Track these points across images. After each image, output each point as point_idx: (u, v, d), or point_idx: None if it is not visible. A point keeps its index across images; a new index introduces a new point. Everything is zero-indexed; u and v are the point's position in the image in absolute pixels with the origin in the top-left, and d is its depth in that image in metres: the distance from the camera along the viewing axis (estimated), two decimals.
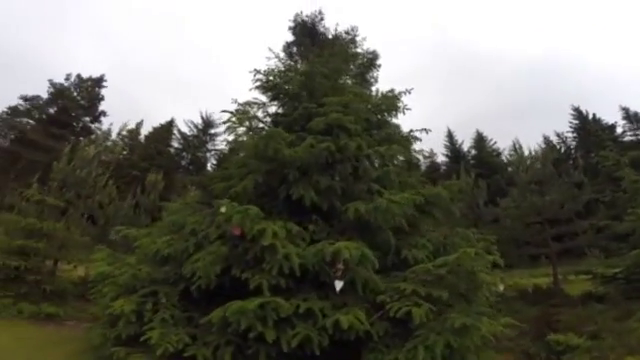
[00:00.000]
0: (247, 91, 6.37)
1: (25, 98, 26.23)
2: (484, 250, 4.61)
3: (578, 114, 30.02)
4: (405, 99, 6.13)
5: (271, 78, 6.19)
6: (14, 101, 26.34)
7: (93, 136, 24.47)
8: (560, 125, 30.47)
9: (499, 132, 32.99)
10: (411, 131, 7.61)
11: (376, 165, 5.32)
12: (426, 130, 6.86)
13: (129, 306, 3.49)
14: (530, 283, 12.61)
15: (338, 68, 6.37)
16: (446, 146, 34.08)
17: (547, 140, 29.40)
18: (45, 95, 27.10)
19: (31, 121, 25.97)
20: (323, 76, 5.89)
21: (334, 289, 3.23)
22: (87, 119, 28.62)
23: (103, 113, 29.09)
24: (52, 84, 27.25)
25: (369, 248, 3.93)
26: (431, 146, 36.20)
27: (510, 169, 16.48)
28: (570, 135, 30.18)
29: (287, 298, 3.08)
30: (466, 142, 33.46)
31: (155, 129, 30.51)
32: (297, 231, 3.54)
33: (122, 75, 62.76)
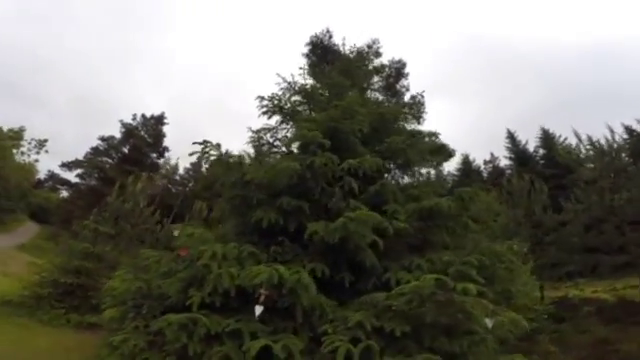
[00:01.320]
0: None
1: (103, 138, 30.78)
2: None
3: None
4: (439, 104, 5.90)
5: (276, 102, 6.46)
6: (94, 141, 31.00)
7: (160, 171, 27.56)
8: (626, 116, 25.89)
9: (562, 129, 29.42)
10: (432, 135, 7.33)
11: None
12: (436, 134, 6.63)
13: (111, 314, 3.81)
14: (613, 295, 10.82)
15: (339, 82, 6.40)
16: (508, 148, 31.04)
17: (629, 129, 25.15)
18: (118, 134, 31.36)
19: (109, 160, 30.15)
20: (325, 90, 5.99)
21: (270, 312, 3.14)
22: (154, 155, 32.33)
23: (166, 149, 32.73)
24: (123, 124, 31.53)
25: (346, 270, 3.83)
26: (491, 150, 33.58)
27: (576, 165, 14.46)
28: None
29: (226, 317, 3.07)
30: (530, 142, 29.91)
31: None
32: (249, 252, 3.52)
33: (182, 110, 69.87)
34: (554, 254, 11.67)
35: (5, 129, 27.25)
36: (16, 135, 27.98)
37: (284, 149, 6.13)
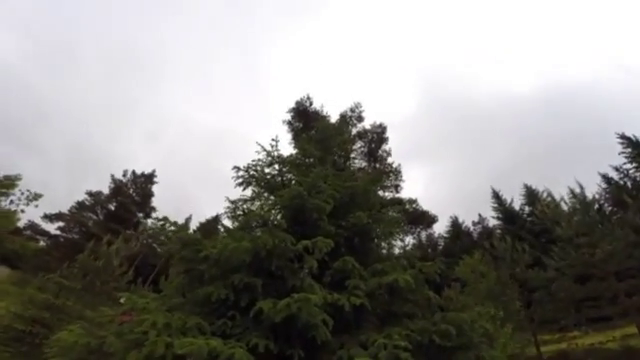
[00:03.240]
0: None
1: (90, 193, 30.78)
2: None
3: (628, 141, 23.88)
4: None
5: (251, 172, 6.80)
6: (82, 194, 30.84)
7: (146, 230, 27.16)
8: (608, 159, 25.40)
9: (545, 180, 30.63)
10: (411, 202, 7.55)
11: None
12: (414, 201, 6.86)
13: None
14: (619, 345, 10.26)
15: (312, 154, 6.84)
16: (495, 208, 31.66)
17: (606, 178, 25.43)
18: (106, 190, 31.43)
19: (94, 216, 29.75)
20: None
21: None
22: (141, 215, 32.07)
23: (153, 209, 32.64)
24: (113, 179, 31.89)
25: (298, 346, 3.79)
26: (477, 209, 34.08)
27: (552, 224, 14.91)
28: (630, 166, 23.87)
29: None
30: (516, 199, 30.81)
31: (202, 224, 32.55)
32: (195, 324, 3.56)
33: (171, 167, 70.90)
34: (545, 310, 11.65)
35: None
36: (9, 184, 27.87)
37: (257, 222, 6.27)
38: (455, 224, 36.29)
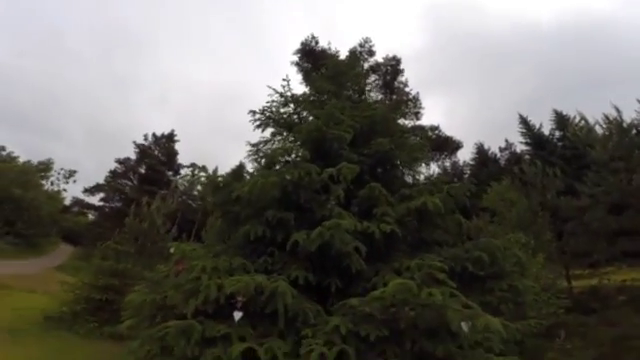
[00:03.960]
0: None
1: (119, 161, 32.28)
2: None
3: None
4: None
5: (268, 114, 6.73)
6: (112, 165, 32.36)
7: (177, 188, 28.56)
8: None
9: (576, 108, 28.43)
10: (433, 129, 7.34)
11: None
12: (437, 128, 6.59)
13: (128, 324, 4.29)
14: None
15: (325, 89, 6.63)
16: (523, 133, 30.18)
17: None
18: (133, 156, 32.61)
19: (128, 182, 31.47)
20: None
21: (261, 317, 3.37)
22: (170, 173, 33.47)
23: (180, 166, 33.75)
24: (136, 145, 32.77)
25: (335, 276, 4.02)
26: (506, 136, 32.87)
27: (585, 148, 13.86)
28: None
29: (220, 323, 3.36)
30: (545, 126, 29.10)
31: (228, 173, 33.69)
32: (240, 264, 3.80)
33: (188, 127, 71.64)
34: (577, 243, 11.05)
35: (35, 162, 29.09)
36: (45, 167, 29.69)
37: (280, 159, 6.36)
38: (481, 150, 35.06)
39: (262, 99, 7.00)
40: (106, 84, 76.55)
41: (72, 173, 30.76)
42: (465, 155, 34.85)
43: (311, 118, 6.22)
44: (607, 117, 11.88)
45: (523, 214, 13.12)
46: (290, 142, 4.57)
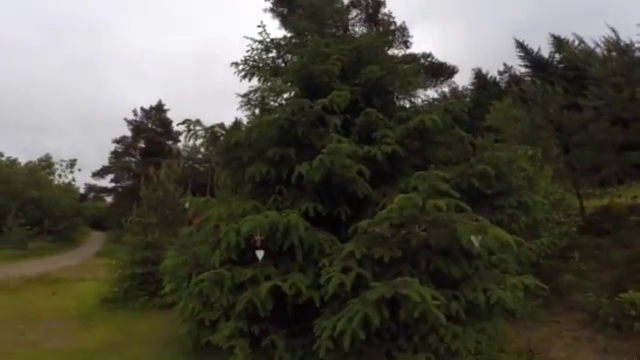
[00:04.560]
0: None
1: (117, 141, 32.43)
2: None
3: None
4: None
5: (251, 63, 6.58)
6: (109, 146, 32.48)
7: (180, 155, 28.84)
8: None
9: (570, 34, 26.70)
10: (426, 57, 7.10)
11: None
12: (430, 55, 6.32)
13: (169, 287, 4.61)
14: None
15: (304, 28, 6.41)
16: (521, 57, 28.99)
17: None
18: (128, 133, 32.66)
19: (132, 158, 31.85)
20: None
21: (280, 256, 3.61)
22: (169, 142, 33.56)
23: (177, 133, 33.67)
24: (128, 122, 32.62)
25: (344, 204, 4.18)
26: (503, 62, 31.73)
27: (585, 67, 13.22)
28: None
29: (245, 267, 3.61)
30: (544, 49, 27.66)
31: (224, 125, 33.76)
32: (253, 207, 4.00)
33: (175, 97, 69.72)
34: (584, 156, 10.94)
35: (35, 160, 29.39)
36: (47, 164, 30.05)
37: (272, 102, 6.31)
38: (479, 75, 33.82)
39: (243, 52, 6.82)
40: (74, 69, 73.29)
41: (73, 162, 31.15)
42: (463, 81, 33.81)
43: (296, 59, 6.05)
44: (607, 39, 11.22)
45: (528, 130, 12.85)
46: (279, 85, 4.52)
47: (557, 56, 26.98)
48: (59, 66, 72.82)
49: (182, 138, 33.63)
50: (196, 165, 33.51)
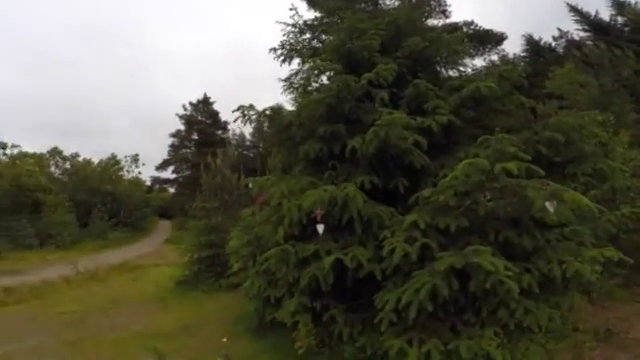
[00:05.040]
0: None
1: (173, 135, 34.92)
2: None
3: None
4: None
5: (288, 47, 6.58)
6: (167, 140, 35.07)
7: (230, 144, 30.33)
8: None
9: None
10: (468, 25, 6.61)
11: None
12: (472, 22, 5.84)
13: (236, 267, 4.95)
14: None
15: (335, 6, 6.24)
16: (578, 21, 25.52)
17: None
18: (182, 127, 35.18)
19: (188, 150, 34.18)
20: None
21: (340, 230, 3.62)
22: (219, 132, 35.35)
23: (226, 123, 35.25)
24: (180, 117, 34.85)
25: (401, 176, 4.06)
26: (555, 26, 28.25)
27: None
28: None
29: (308, 243, 3.71)
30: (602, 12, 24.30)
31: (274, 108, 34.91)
32: (309, 183, 4.07)
33: (217, 90, 72.84)
34: None
35: (97, 160, 32.87)
36: (115, 161, 33.40)
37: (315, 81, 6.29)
38: (531, 41, 30.13)
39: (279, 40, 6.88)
40: (126, 76, 79.01)
41: (136, 157, 34.27)
42: (513, 49, 30.41)
43: (332, 38, 5.93)
44: None
45: (597, 95, 11.47)
46: (319, 64, 4.47)
47: (619, 19, 23.66)
48: (114, 74, 79.24)
49: (230, 127, 35.47)
50: (245, 152, 34.98)
